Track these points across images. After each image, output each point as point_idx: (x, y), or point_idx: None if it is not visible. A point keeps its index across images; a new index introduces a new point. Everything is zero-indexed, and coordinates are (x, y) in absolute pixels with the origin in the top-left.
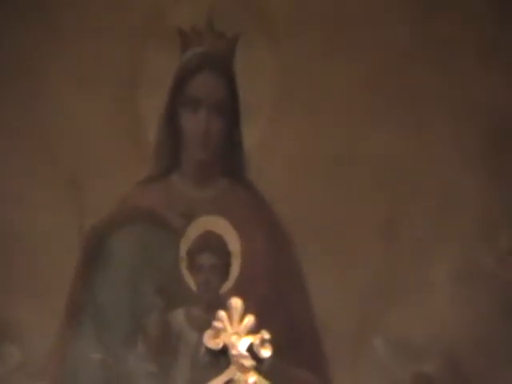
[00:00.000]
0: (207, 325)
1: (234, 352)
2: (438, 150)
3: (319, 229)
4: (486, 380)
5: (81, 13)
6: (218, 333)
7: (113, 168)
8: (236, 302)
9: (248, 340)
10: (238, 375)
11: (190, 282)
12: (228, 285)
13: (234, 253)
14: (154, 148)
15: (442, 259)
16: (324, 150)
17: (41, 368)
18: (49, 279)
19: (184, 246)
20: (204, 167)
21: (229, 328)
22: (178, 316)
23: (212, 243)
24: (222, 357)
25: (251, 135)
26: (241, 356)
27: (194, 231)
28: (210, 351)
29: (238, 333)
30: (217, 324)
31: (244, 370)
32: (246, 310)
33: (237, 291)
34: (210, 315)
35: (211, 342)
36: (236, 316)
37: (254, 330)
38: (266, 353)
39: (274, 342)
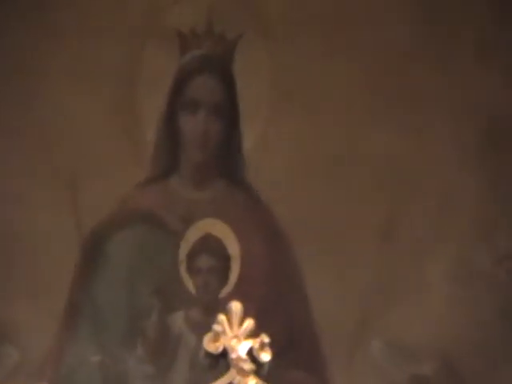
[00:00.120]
0: (206, 328)
1: (233, 356)
2: (438, 150)
3: (318, 229)
4: (483, 380)
5: (80, 13)
6: (217, 336)
7: (111, 169)
8: (236, 306)
9: (248, 344)
10: (238, 379)
11: (189, 284)
12: (227, 288)
13: (233, 256)
14: (153, 149)
15: (440, 259)
16: (323, 150)
17: (39, 369)
18: (47, 280)
19: (183, 249)
20: (202, 169)
21: (228, 331)
22: (178, 319)
23: (211, 246)
24: (222, 360)
25: (249, 137)
26: (240, 360)
27: (193, 234)
28: (209, 355)
29: (237, 336)
30: (216, 327)
31: (243, 373)
32: (246, 313)
33: (236, 294)
34: (210, 318)
35: (211, 346)
36: (236, 319)
37: (253, 334)
38: (265, 356)
39: (273, 345)
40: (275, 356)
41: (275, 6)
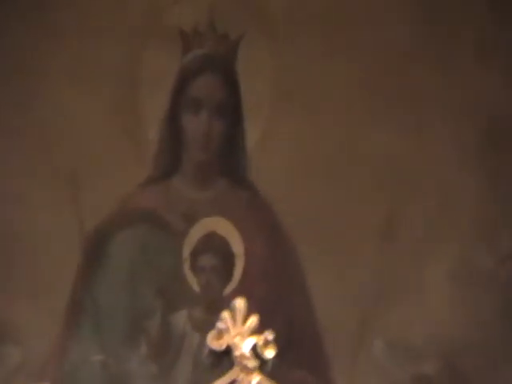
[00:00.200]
0: (210, 326)
1: (237, 353)
2: (438, 150)
3: (319, 228)
4: (484, 380)
5: (80, 13)
6: (221, 334)
7: (113, 168)
8: (240, 303)
9: (251, 341)
10: (242, 376)
11: (193, 282)
12: (231, 286)
13: (237, 254)
14: (155, 149)
15: (441, 259)
16: (325, 149)
17: (41, 368)
18: (49, 280)
19: (187, 247)
20: (205, 168)
21: (232, 329)
22: (181, 317)
23: (215, 244)
24: (226, 358)
25: (252, 136)
26: (244, 357)
27: (197, 232)
28: (213, 352)
29: (241, 334)
30: (220, 325)
31: (247, 370)
32: (249, 311)
33: (239, 292)
34: (213, 317)
35: (214, 343)
36: (239, 317)
37: (257, 331)
38: (269, 353)
39: (275, 343)
40: (278, 354)
41: (276, 6)
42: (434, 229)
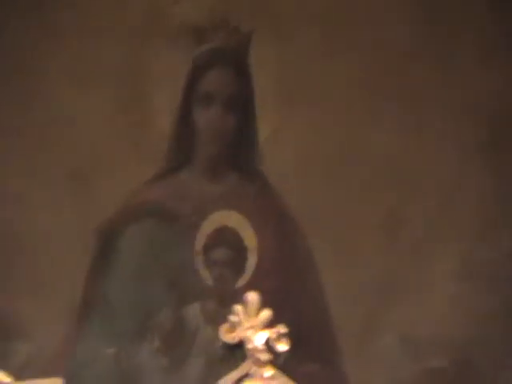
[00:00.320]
0: (222, 319)
1: (249, 346)
2: (439, 149)
3: (330, 221)
4: (488, 378)
5: (82, 12)
6: (233, 327)
7: (123, 163)
8: (252, 296)
9: (264, 334)
10: (254, 369)
11: (206, 276)
12: (243, 279)
13: (249, 248)
14: (167, 143)
15: (447, 256)
16: (335, 144)
17: (52, 363)
18: (59, 275)
19: (199, 241)
20: (216, 162)
21: (245, 322)
22: (194, 310)
23: (227, 238)
24: (238, 351)
25: (263, 129)
26: (257, 350)
27: (209, 226)
28: (225, 345)
29: (253, 327)
30: (233, 318)
31: (260, 364)
32: (262, 304)
33: (252, 285)
34: (226, 310)
35: (227, 337)
36: (252, 310)
37: (270, 324)
38: (282, 347)
39: (288, 336)
40: (290, 347)
41: (285, 9)
42: (439, 226)
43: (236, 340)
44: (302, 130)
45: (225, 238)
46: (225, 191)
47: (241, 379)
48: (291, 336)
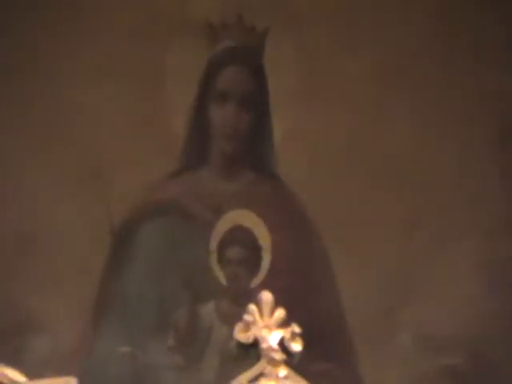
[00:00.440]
0: (237, 319)
1: (264, 345)
2: (454, 147)
3: (345, 221)
4: (504, 377)
5: (103, 6)
6: (248, 326)
7: (141, 160)
8: (266, 296)
9: (278, 333)
10: (269, 369)
11: (220, 275)
12: (258, 278)
13: (264, 247)
14: (183, 141)
15: (458, 256)
16: (350, 141)
17: (68, 360)
18: (76, 272)
19: (214, 240)
20: (232, 160)
21: (259, 321)
22: (208, 309)
23: (242, 237)
24: (252, 350)
25: (279, 128)
26: (271, 350)
27: (223, 225)
28: (240, 345)
29: (268, 326)
30: (247, 317)
31: (274, 363)
32: (276, 304)
33: (266, 284)
34: (240, 309)
35: (241, 336)
36: (266, 309)
37: (284, 324)
38: (296, 346)
39: (303, 335)
40: (305, 347)
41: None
42: (463, 223)
43: (250, 339)
44: (318, 128)
45: (239, 237)
46: (240, 190)
47: (255, 379)
48: (305, 335)
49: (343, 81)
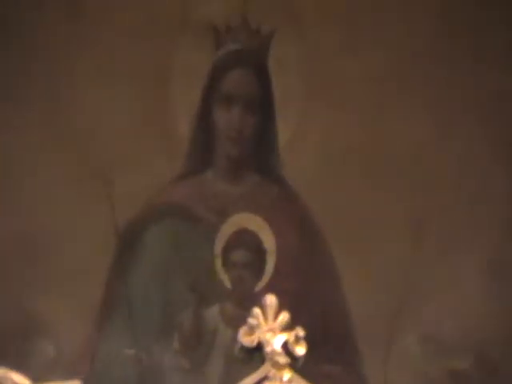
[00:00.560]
0: (242, 322)
1: (268, 349)
2: (465, 149)
3: (350, 224)
4: None
5: (112, 9)
6: (252, 330)
7: (146, 163)
8: (271, 299)
9: (283, 337)
10: (273, 372)
11: (225, 278)
12: (262, 282)
13: (269, 251)
14: (188, 144)
15: (474, 252)
16: (355, 144)
17: (73, 363)
18: (82, 275)
19: (219, 243)
20: (237, 163)
21: (263, 325)
22: (213, 312)
23: (246, 240)
24: (257, 354)
25: (284, 131)
26: (275, 353)
27: (228, 228)
28: (244, 348)
29: (272, 330)
30: (251, 321)
31: (279, 367)
32: (281, 307)
33: (271, 288)
34: (245, 312)
35: (246, 339)
36: (271, 313)
37: (288, 327)
38: (300, 350)
39: (307, 338)
40: (309, 350)
41: (307, 8)
42: (468, 222)
43: (255, 343)
44: (323, 130)
45: (244, 240)
46: (245, 193)
47: (259, 382)
48: (309, 338)
49: (348, 82)
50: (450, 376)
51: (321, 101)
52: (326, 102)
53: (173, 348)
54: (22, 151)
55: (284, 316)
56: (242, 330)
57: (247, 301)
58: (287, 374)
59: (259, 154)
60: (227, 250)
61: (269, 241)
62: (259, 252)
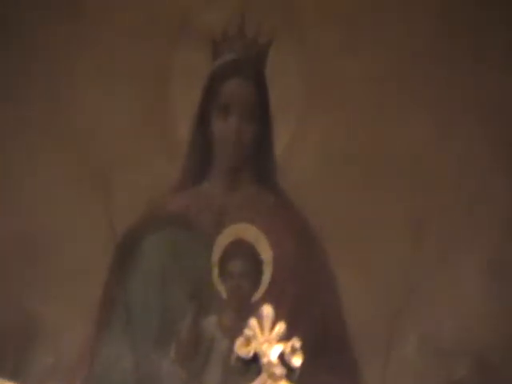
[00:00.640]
0: (239, 332)
1: (264, 360)
2: (465, 150)
3: (348, 232)
4: None
5: (113, 14)
6: (248, 341)
7: (144, 171)
8: (267, 310)
9: (279, 348)
10: (269, 383)
11: (222, 289)
12: (259, 292)
13: (266, 261)
14: (186, 154)
15: (473, 255)
16: (352, 153)
17: (71, 370)
18: (81, 282)
19: (216, 253)
20: (235, 173)
21: (260, 336)
22: (210, 323)
23: (243, 251)
24: (253, 365)
25: (281, 140)
26: (271, 364)
27: (225, 238)
28: (240, 359)
29: (268, 340)
30: (248, 332)
31: (275, 378)
32: (277, 317)
33: (268, 298)
34: (242, 322)
35: (242, 350)
36: (267, 324)
37: (284, 338)
38: (296, 361)
39: (304, 348)
40: (307, 360)
41: (304, 8)
42: (467, 224)
43: (251, 354)
44: (330, 133)
45: (241, 250)
46: (242, 203)
47: None
48: (307, 348)
49: (345, 90)
50: (450, 382)
51: (320, 101)
52: (326, 102)
53: (170, 357)
54: (21, 151)
55: (280, 327)
56: (238, 341)
57: (244, 311)
58: None
59: (257, 163)
60: (224, 260)
61: (265, 251)
62: (256, 262)
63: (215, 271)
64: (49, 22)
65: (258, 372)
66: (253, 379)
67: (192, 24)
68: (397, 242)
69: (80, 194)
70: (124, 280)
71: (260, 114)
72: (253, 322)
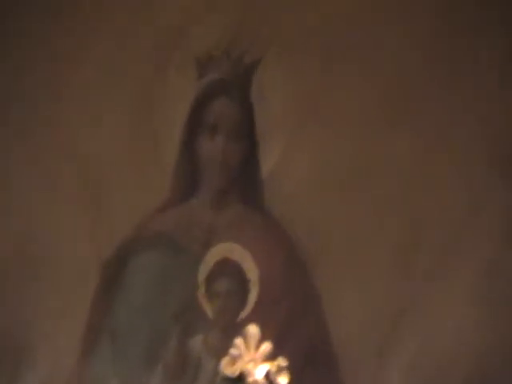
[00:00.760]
0: (225, 352)
1: (250, 379)
2: (459, 159)
3: (335, 253)
4: None
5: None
6: (234, 360)
7: (131, 192)
8: (253, 329)
9: (264, 367)
10: None
11: (207, 308)
12: (245, 311)
13: (252, 280)
14: (172, 174)
15: (465, 272)
16: (340, 172)
17: None
18: (66, 304)
19: (202, 273)
20: (221, 193)
21: (245, 355)
22: (197, 342)
23: (229, 270)
24: None
25: (268, 160)
26: (257, 383)
27: (211, 258)
28: (226, 379)
29: (254, 360)
30: (233, 351)
31: None
32: (264, 336)
33: (254, 317)
34: (228, 342)
35: (228, 370)
36: (253, 343)
37: (270, 357)
38: (283, 380)
39: (291, 367)
40: (293, 379)
41: (290, 30)
42: (459, 240)
43: (237, 373)
44: (317, 153)
45: (227, 270)
46: (228, 223)
47: None
48: (293, 368)
49: (332, 110)
50: None
51: (308, 120)
52: (313, 121)
53: (157, 377)
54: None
55: (266, 346)
56: (224, 361)
57: (230, 330)
58: None
59: (243, 183)
60: (210, 279)
61: (252, 270)
62: (242, 281)
63: (201, 290)
64: (49, 21)
65: None
66: None
67: (178, 44)
68: (386, 263)
69: (68, 214)
70: (110, 301)
71: (247, 133)
72: (239, 341)
